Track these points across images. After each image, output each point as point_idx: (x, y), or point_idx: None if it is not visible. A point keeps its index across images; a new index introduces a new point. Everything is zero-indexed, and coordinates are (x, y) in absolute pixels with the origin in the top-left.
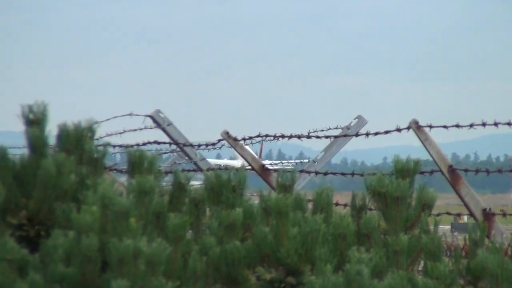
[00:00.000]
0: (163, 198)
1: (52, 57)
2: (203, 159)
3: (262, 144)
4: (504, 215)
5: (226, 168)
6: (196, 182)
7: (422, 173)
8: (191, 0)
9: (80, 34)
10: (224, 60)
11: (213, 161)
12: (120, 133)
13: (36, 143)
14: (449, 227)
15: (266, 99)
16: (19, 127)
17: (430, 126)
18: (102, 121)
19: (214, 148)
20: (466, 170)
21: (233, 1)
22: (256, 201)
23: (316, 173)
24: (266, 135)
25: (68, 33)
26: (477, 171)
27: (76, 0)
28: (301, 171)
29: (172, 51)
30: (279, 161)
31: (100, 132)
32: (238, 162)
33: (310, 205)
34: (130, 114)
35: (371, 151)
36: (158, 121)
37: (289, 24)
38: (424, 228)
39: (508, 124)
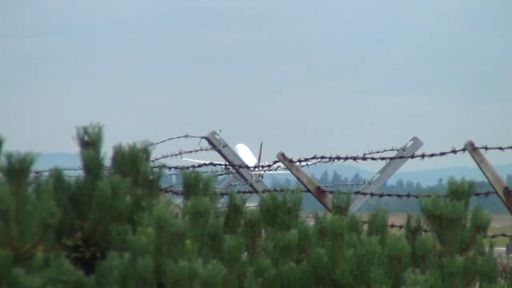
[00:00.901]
0: (219, 219)
1: (108, 79)
2: (259, 180)
3: (261, 149)
4: None
5: (228, 168)
6: (252, 204)
7: (477, 194)
8: (244, 21)
9: (136, 56)
10: (279, 80)
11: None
12: (176, 154)
13: (92, 164)
14: (504, 249)
15: (321, 120)
16: (75, 148)
17: (486, 148)
18: (157, 143)
19: (270, 170)
20: None
21: (286, 21)
22: (311, 222)
23: (372, 194)
24: (322, 157)
25: (124, 55)
26: None
27: (130, 24)
28: (357, 193)
29: (227, 72)
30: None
31: (156, 153)
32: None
33: (365, 227)
34: (186, 136)
35: (426, 173)
36: (213, 143)
37: (344, 45)
38: (479, 250)
39: None
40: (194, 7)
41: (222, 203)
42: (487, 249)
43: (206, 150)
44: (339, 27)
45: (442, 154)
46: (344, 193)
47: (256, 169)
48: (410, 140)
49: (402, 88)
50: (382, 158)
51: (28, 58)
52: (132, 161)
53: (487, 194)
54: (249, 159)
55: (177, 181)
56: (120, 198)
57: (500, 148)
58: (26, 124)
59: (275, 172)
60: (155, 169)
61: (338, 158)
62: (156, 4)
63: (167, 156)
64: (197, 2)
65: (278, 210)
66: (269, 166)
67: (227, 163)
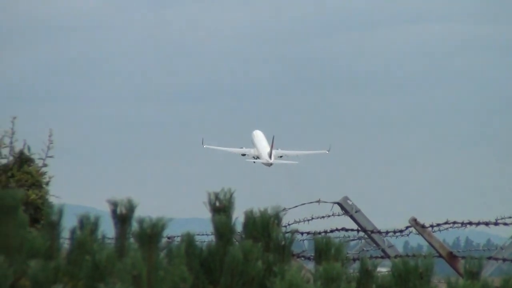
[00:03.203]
0: (350, 285)
1: (238, 140)
2: (391, 246)
3: (273, 141)
4: None
5: (244, 154)
6: (383, 269)
7: None
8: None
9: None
10: (410, 146)
11: (235, 150)
12: (308, 220)
13: (223, 230)
14: None
15: (453, 184)
16: (206, 214)
17: None
18: (289, 208)
19: (402, 235)
20: None
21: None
22: None
23: (504, 260)
24: (454, 222)
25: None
26: None
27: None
28: (489, 258)
29: (357, 137)
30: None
31: (287, 218)
32: (255, 151)
33: None
34: (318, 201)
35: None
36: (346, 208)
37: (471, 115)
38: None
39: None
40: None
41: (354, 268)
42: None
43: (339, 215)
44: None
45: None
46: (476, 258)
47: (389, 234)
48: None
49: None
50: None
51: (158, 123)
52: (264, 226)
53: None
54: (264, 145)
55: (309, 246)
56: (251, 264)
57: None
58: (158, 189)
59: (407, 237)
60: (287, 235)
61: (470, 223)
62: None
63: (299, 222)
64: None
65: (410, 275)
66: (401, 231)
67: (359, 228)
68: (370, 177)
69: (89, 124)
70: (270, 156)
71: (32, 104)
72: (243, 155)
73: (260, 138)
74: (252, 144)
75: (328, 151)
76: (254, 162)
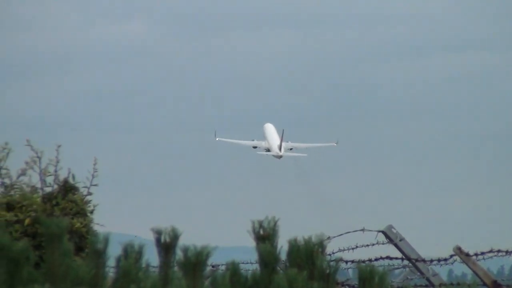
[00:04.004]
0: None
1: (281, 176)
2: (436, 274)
3: (283, 134)
4: None
5: (255, 147)
6: None
7: None
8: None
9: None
10: (454, 173)
11: (246, 142)
12: (353, 248)
13: (268, 258)
14: None
15: (498, 212)
16: (251, 242)
17: None
18: (334, 237)
19: (446, 264)
20: None
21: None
22: None
23: None
24: (498, 250)
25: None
26: None
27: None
28: None
29: (400, 164)
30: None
31: (332, 247)
32: (265, 143)
33: None
34: (363, 230)
35: None
36: (390, 237)
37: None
38: None
39: None
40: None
41: None
42: None
43: (383, 243)
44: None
45: None
46: None
47: (433, 262)
48: None
49: None
50: None
51: (202, 151)
52: (308, 255)
53: None
54: (274, 138)
55: (354, 275)
56: None
57: None
58: (202, 217)
59: (452, 265)
60: (331, 263)
61: None
62: None
63: (343, 250)
64: None
65: None
66: (445, 259)
67: (403, 256)
68: (414, 205)
69: (133, 152)
70: (280, 149)
71: (77, 132)
72: (255, 147)
73: (271, 131)
74: (263, 136)
75: (336, 143)
76: (266, 154)
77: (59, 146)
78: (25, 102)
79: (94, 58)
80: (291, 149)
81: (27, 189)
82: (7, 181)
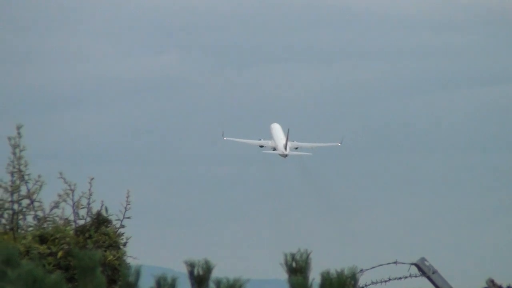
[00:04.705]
0: None
1: (314, 208)
2: None
3: (288, 133)
4: None
5: (262, 146)
6: None
7: None
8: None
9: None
10: (487, 205)
11: (253, 141)
12: (385, 281)
13: None
14: None
15: None
16: (283, 275)
17: None
18: (366, 269)
19: None
20: None
21: None
22: None
23: None
24: None
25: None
26: None
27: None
28: None
29: (431, 196)
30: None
31: (364, 279)
32: (272, 142)
33: None
34: (395, 262)
35: None
36: (423, 269)
37: None
38: None
39: None
40: None
41: None
42: None
43: (416, 276)
44: None
45: None
46: None
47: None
48: None
49: None
50: None
51: (236, 183)
52: (341, 287)
53: None
54: (280, 137)
55: None
56: None
57: None
58: (234, 250)
59: None
60: None
61: None
62: None
63: (376, 283)
64: None
65: None
66: None
67: None
68: (446, 236)
69: (165, 183)
70: (285, 148)
71: (109, 164)
72: (261, 146)
73: (277, 131)
74: (270, 136)
75: (340, 143)
76: (272, 152)
77: (92, 179)
78: (57, 135)
79: (127, 90)
80: (296, 148)
81: (60, 222)
82: (40, 213)
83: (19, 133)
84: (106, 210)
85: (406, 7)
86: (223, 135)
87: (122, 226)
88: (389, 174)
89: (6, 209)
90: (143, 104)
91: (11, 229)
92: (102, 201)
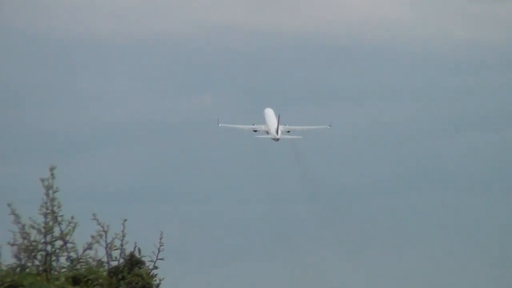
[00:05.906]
0: None
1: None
2: None
3: (279, 118)
4: None
5: (255, 130)
6: None
7: None
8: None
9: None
10: None
11: (247, 126)
12: None
13: None
14: None
15: None
16: None
17: None
18: None
19: None
20: None
21: None
22: None
23: None
24: None
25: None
26: None
27: None
28: None
29: (464, 239)
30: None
31: None
32: (265, 127)
33: None
34: None
35: None
36: None
37: None
38: None
39: None
40: None
41: None
42: None
43: None
44: None
45: None
46: None
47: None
48: None
49: None
50: None
51: (267, 221)
52: None
53: None
54: (273, 121)
55: None
56: None
57: None
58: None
59: None
60: None
61: None
62: None
63: None
64: None
65: None
66: None
67: None
68: (478, 276)
69: (199, 223)
70: (277, 132)
71: (143, 205)
72: (255, 131)
73: (270, 115)
74: (263, 120)
75: (329, 126)
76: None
77: (125, 220)
78: (90, 175)
79: (158, 130)
80: (288, 131)
81: (93, 263)
82: (73, 255)
83: (52, 174)
84: (139, 251)
85: (442, 46)
86: (218, 122)
87: (155, 267)
88: (419, 215)
89: (39, 251)
90: (175, 143)
91: (45, 270)
92: (135, 242)
